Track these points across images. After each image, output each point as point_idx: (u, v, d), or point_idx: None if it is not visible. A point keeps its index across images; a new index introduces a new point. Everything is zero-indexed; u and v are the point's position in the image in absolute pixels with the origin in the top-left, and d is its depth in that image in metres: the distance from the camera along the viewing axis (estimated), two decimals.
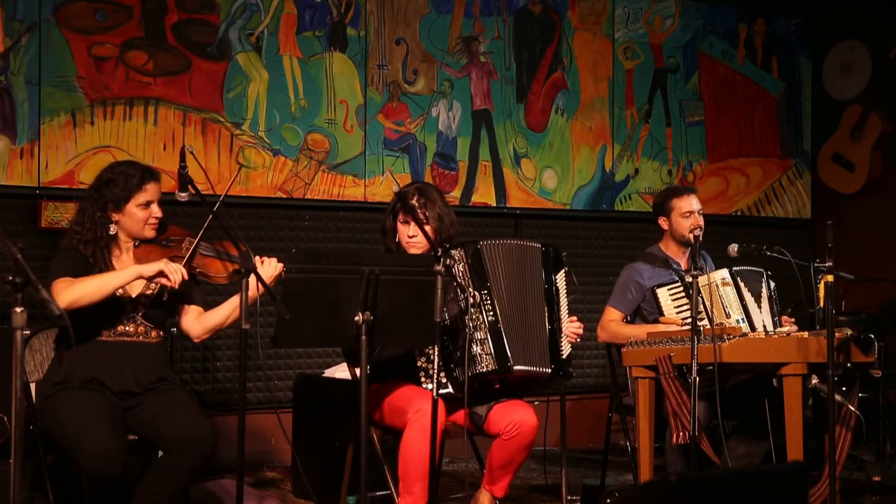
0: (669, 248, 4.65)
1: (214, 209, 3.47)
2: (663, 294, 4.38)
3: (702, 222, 4.54)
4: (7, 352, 2.57)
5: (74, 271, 3.54)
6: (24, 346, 2.57)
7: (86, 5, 4.98)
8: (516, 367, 3.71)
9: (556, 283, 3.90)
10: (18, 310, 2.50)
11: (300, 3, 5.46)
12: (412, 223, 3.81)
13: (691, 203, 4.57)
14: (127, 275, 3.51)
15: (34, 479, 3.83)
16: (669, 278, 4.48)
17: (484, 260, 3.76)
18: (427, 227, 3.76)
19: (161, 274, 3.49)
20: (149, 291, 3.64)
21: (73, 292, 3.42)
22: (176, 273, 3.49)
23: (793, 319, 4.45)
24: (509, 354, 3.70)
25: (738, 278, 4.37)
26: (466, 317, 3.64)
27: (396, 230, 3.89)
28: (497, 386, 3.84)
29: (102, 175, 3.67)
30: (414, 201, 3.83)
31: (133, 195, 3.60)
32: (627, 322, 4.63)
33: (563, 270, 3.93)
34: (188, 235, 3.70)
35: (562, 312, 3.90)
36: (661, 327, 4.26)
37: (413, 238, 3.84)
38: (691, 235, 4.50)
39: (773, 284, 4.46)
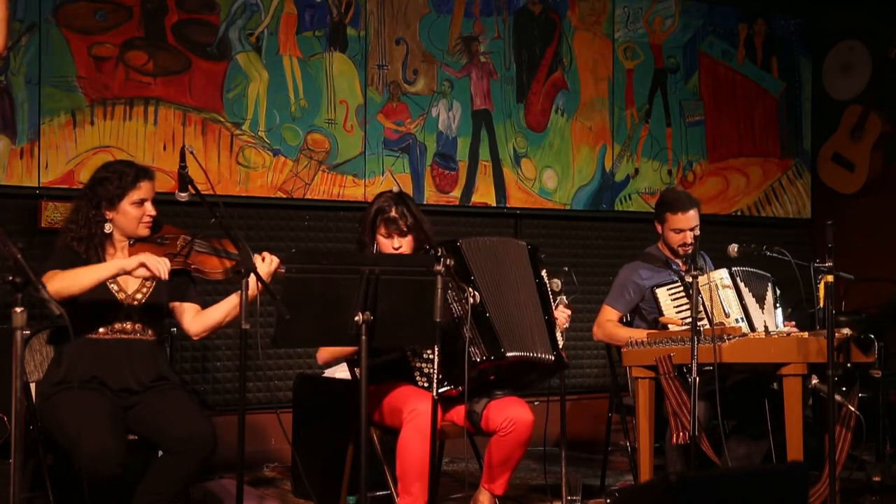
0: (666, 250, 4.65)
1: (220, 217, 3.46)
2: (663, 294, 4.38)
3: (691, 239, 4.45)
4: (7, 352, 2.57)
5: (65, 267, 3.53)
6: (24, 346, 2.57)
7: (86, 5, 4.98)
8: (509, 354, 3.72)
9: (544, 279, 3.93)
10: (18, 310, 2.50)
11: (300, 3, 5.46)
12: (395, 236, 3.86)
13: (684, 221, 4.51)
14: (109, 268, 3.49)
15: (34, 479, 3.83)
16: (668, 278, 4.48)
17: (465, 256, 3.78)
18: (409, 238, 3.86)
19: (143, 266, 3.46)
20: (144, 290, 3.63)
21: (55, 283, 3.41)
22: (160, 264, 3.47)
23: (793, 323, 4.45)
24: (501, 342, 3.71)
25: (738, 278, 4.37)
26: (466, 315, 3.64)
27: (376, 244, 3.90)
28: (492, 377, 3.85)
29: (97, 174, 3.69)
30: (394, 213, 3.86)
31: (127, 193, 3.61)
32: (626, 321, 4.63)
33: (545, 269, 3.96)
34: (183, 233, 3.70)
35: (552, 306, 3.92)
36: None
37: (398, 250, 3.87)
38: (680, 250, 4.52)
39: (778, 292, 4.46)
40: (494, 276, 3.83)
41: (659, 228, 4.63)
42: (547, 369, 3.91)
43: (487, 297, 3.76)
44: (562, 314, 3.93)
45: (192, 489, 4.03)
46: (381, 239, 3.89)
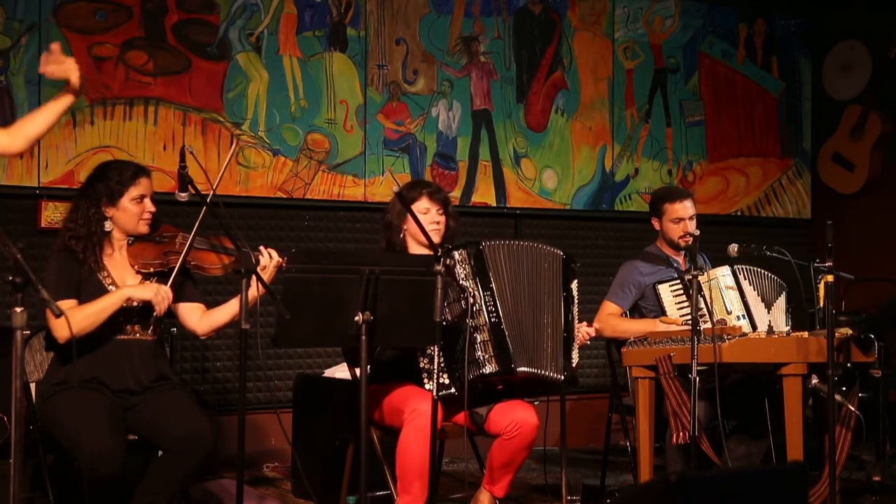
0: (665, 248, 4.65)
1: (220, 217, 3.48)
2: (665, 290, 4.38)
3: (692, 228, 4.49)
4: (7, 352, 2.57)
5: (68, 286, 3.55)
6: (24, 346, 2.57)
7: (86, 5, 4.98)
8: (520, 369, 3.70)
9: (572, 293, 3.90)
10: (18, 310, 2.50)
11: (300, 3, 5.46)
12: (437, 205, 3.88)
13: (682, 209, 4.54)
14: (119, 297, 3.55)
15: (34, 479, 3.83)
16: (669, 275, 4.48)
17: (486, 261, 3.75)
18: (444, 219, 3.90)
19: (148, 301, 3.55)
20: (135, 304, 3.64)
21: (78, 322, 3.46)
22: (164, 302, 3.55)
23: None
24: (512, 356, 3.69)
25: (741, 276, 4.37)
26: (468, 318, 3.63)
27: (403, 224, 3.89)
28: (500, 387, 3.84)
29: (94, 173, 3.72)
30: (435, 187, 3.98)
31: (127, 189, 3.63)
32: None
33: (576, 280, 3.93)
34: (181, 232, 3.70)
35: (574, 321, 3.90)
36: (661, 326, 4.26)
37: (438, 224, 3.87)
38: (681, 241, 4.52)
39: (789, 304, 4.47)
40: (516, 285, 3.79)
41: (657, 225, 4.63)
42: (554, 386, 3.89)
43: (505, 308, 3.73)
44: (582, 332, 3.92)
45: (192, 489, 4.03)
46: (419, 211, 3.83)
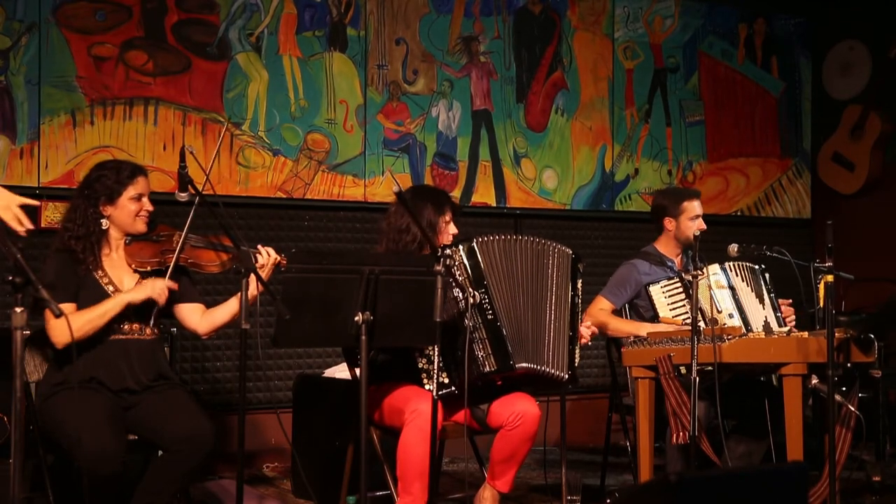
0: (666, 248, 4.65)
1: (220, 218, 3.48)
2: (656, 291, 4.38)
3: (704, 226, 4.57)
4: (7, 352, 2.57)
5: (66, 289, 3.56)
6: (24, 346, 2.57)
7: (86, 5, 4.98)
8: (519, 365, 3.70)
9: (578, 291, 3.90)
10: (18, 310, 2.50)
11: (300, 3, 5.46)
12: (452, 223, 3.95)
13: (699, 206, 4.63)
14: (118, 303, 3.57)
15: (34, 479, 3.83)
16: (665, 276, 4.48)
17: (479, 257, 3.75)
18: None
19: (149, 298, 3.58)
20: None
21: (81, 327, 3.48)
22: (162, 294, 3.58)
23: (790, 301, 4.46)
24: (511, 353, 3.69)
25: (731, 272, 4.36)
26: (466, 316, 3.63)
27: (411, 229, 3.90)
28: (499, 383, 3.84)
29: (91, 173, 3.73)
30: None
31: (125, 187, 3.64)
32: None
33: (581, 280, 3.93)
34: (178, 231, 3.71)
35: (579, 320, 3.90)
36: (660, 327, 4.27)
37: (454, 235, 3.95)
38: (695, 238, 4.54)
39: (768, 276, 4.46)
40: (513, 280, 3.79)
41: (670, 225, 4.61)
42: (555, 383, 3.89)
43: (500, 302, 3.73)
44: (585, 330, 3.92)
45: (192, 489, 4.03)
46: (444, 225, 3.90)
